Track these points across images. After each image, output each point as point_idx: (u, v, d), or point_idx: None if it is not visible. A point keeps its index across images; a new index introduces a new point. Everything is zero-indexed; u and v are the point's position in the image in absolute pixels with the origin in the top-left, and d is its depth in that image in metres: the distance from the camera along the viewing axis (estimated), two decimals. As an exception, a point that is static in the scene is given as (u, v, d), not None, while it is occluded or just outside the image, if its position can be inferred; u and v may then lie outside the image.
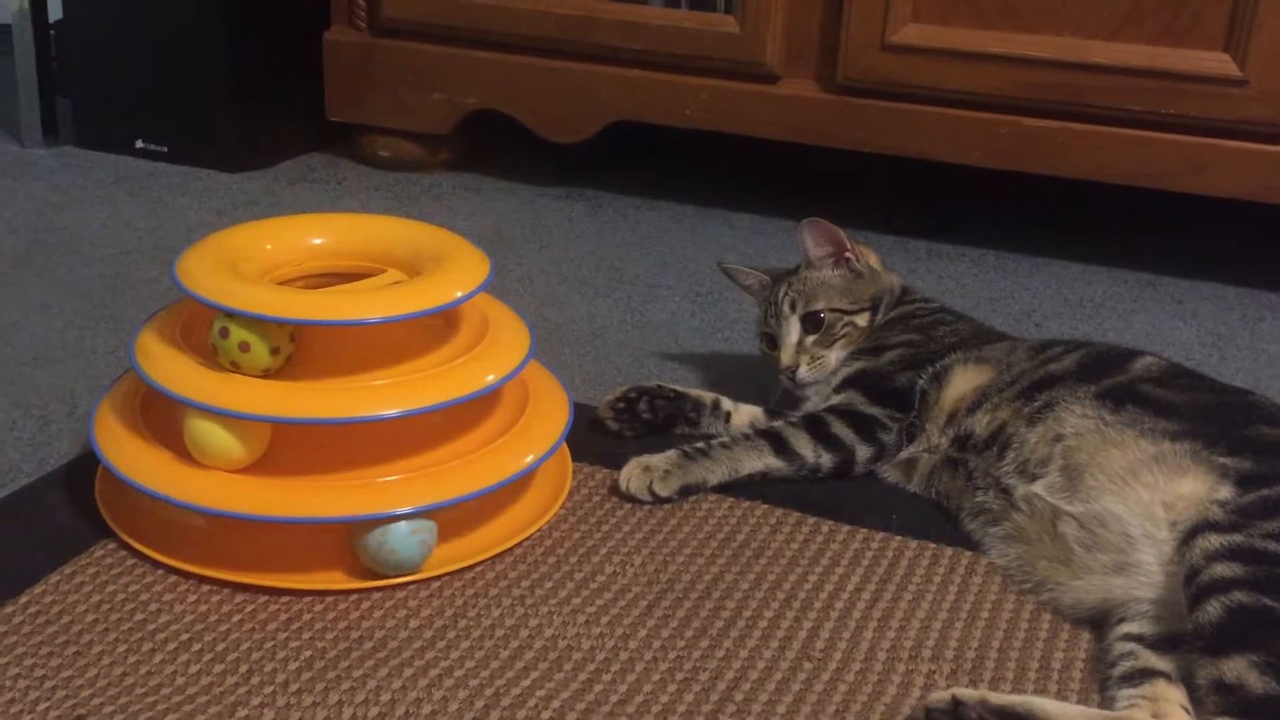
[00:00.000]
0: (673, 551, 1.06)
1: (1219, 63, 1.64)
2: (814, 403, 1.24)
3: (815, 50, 1.83)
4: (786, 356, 1.26)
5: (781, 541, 1.08)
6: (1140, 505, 0.96)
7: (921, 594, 1.02)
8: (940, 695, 0.86)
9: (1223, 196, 1.70)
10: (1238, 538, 0.90)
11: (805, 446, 1.15)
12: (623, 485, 1.12)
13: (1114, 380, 1.09)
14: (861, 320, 1.27)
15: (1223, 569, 0.88)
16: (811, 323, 1.26)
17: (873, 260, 1.33)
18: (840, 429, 1.16)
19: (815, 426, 1.16)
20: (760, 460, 1.14)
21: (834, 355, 1.25)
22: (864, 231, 1.91)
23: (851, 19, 1.77)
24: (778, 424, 1.18)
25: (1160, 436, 1.00)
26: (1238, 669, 0.83)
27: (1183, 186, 1.71)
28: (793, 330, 1.27)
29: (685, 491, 1.12)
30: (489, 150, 2.15)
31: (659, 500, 1.12)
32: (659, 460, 1.13)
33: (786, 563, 1.05)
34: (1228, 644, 0.85)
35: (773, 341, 1.29)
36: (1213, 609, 0.87)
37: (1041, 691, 0.91)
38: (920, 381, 1.18)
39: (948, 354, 1.20)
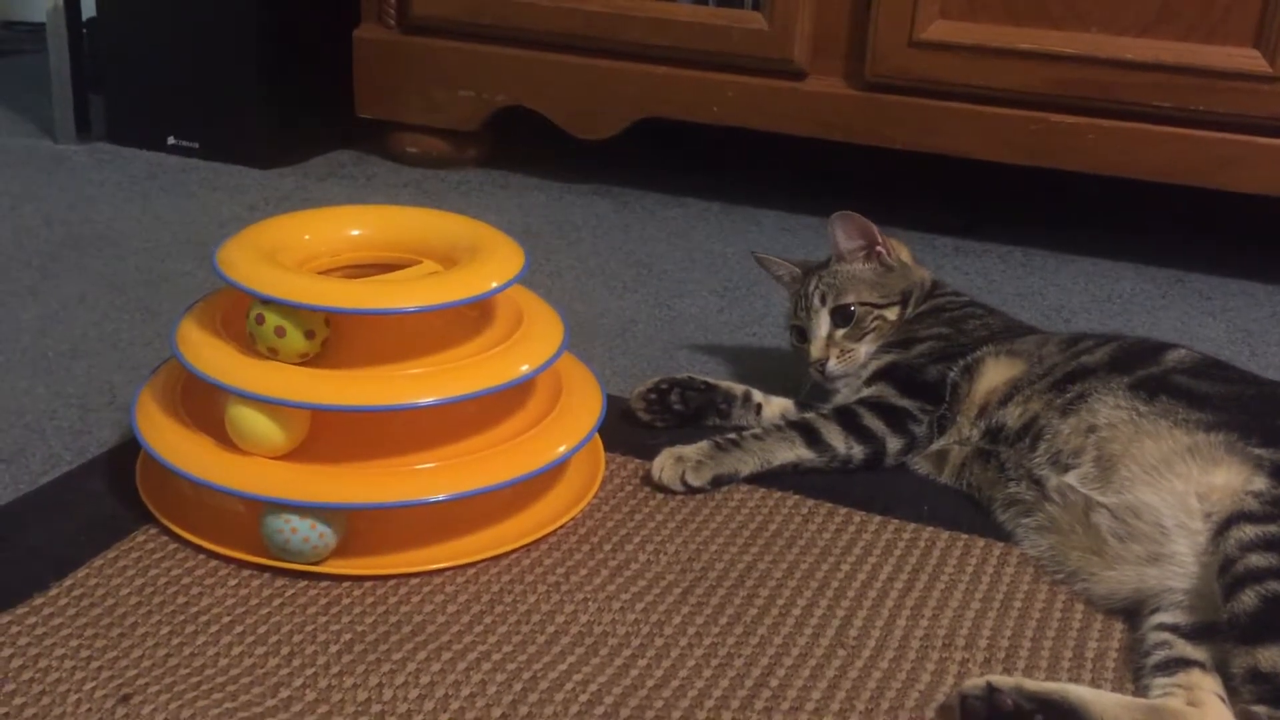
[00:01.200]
0: (705, 540, 1.07)
1: (1249, 59, 1.64)
2: (844, 395, 1.25)
3: (843, 47, 1.83)
4: (816, 350, 1.26)
5: (814, 531, 1.09)
6: (1174, 496, 0.97)
7: (954, 584, 1.02)
8: (975, 682, 0.87)
9: (1252, 193, 1.69)
10: (1273, 528, 0.90)
11: (836, 438, 1.15)
12: (655, 475, 1.13)
13: (1147, 371, 1.09)
14: (891, 314, 1.27)
15: (1258, 559, 0.89)
16: (841, 316, 1.26)
17: (904, 255, 1.34)
18: (871, 420, 1.16)
19: (846, 418, 1.17)
20: (792, 451, 1.14)
21: (863, 349, 1.26)
22: (891, 228, 1.91)
23: (879, 16, 1.78)
24: (809, 415, 1.18)
25: (1194, 427, 1.00)
26: (1273, 658, 0.83)
27: (1212, 183, 1.71)
28: (823, 324, 1.27)
29: (717, 482, 1.13)
30: (517, 147, 2.16)
31: (691, 490, 1.12)
32: (691, 451, 1.13)
33: (819, 552, 1.06)
34: (1263, 633, 0.85)
35: (802, 334, 1.30)
36: (1248, 599, 0.87)
37: (1076, 680, 0.91)
38: (951, 374, 1.18)
39: (979, 347, 1.20)
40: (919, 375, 1.20)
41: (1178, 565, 0.95)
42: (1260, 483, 0.95)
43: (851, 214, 1.29)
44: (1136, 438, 1.02)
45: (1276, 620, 0.86)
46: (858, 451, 1.15)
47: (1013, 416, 1.12)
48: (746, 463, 1.14)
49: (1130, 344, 1.17)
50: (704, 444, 1.14)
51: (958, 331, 1.25)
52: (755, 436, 1.15)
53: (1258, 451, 0.97)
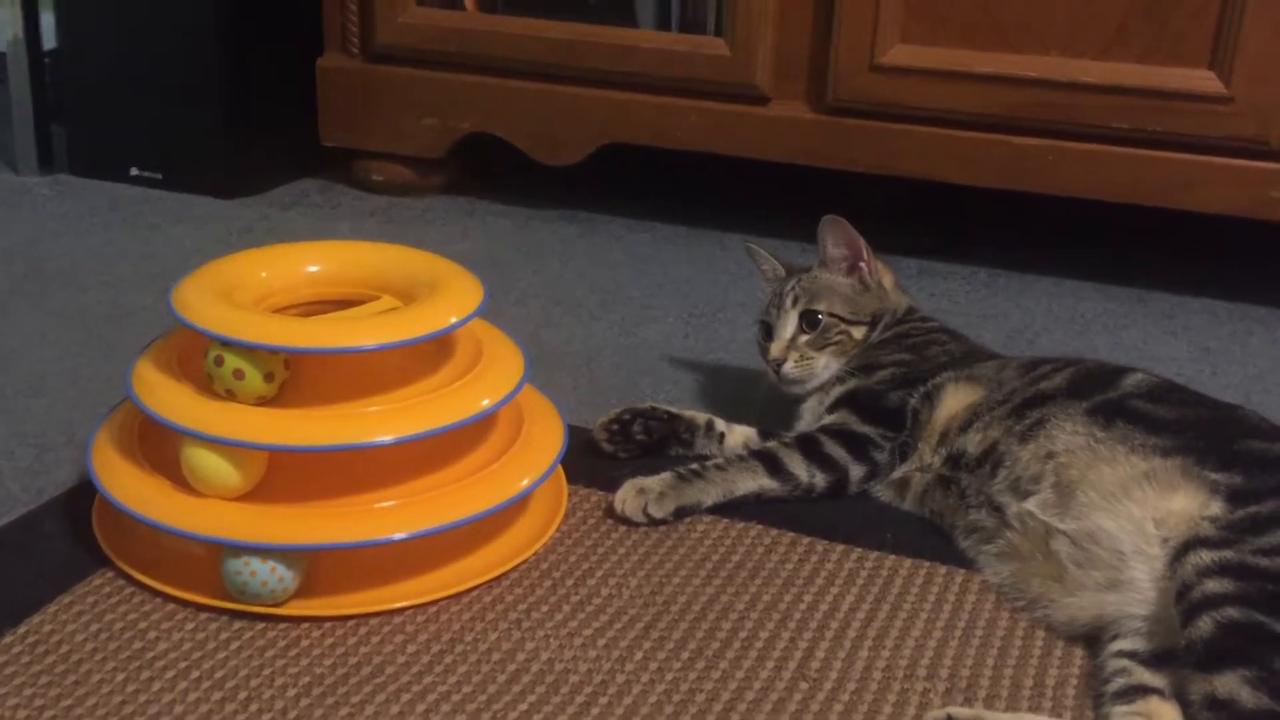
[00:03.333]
0: (668, 573, 1.06)
1: (1205, 80, 1.66)
2: (807, 422, 1.25)
3: (805, 71, 1.84)
4: (776, 349, 1.28)
5: (776, 562, 1.09)
6: (1132, 522, 0.97)
7: (916, 612, 1.02)
8: (935, 714, 0.87)
9: (1211, 212, 1.71)
10: (1229, 554, 0.91)
11: (799, 466, 1.15)
12: (618, 507, 1.12)
13: (1104, 397, 1.10)
14: (857, 332, 1.28)
15: (1214, 585, 0.89)
16: (808, 321, 1.27)
17: (886, 279, 1.34)
18: (833, 449, 1.17)
19: (808, 446, 1.17)
20: (755, 481, 1.15)
21: (822, 361, 1.27)
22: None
23: (840, 40, 1.79)
24: (771, 445, 1.19)
25: (1151, 453, 1.01)
26: (1230, 685, 0.84)
27: (1172, 203, 1.72)
28: (789, 325, 1.28)
29: (680, 513, 1.13)
30: (482, 174, 2.16)
31: (654, 522, 1.12)
32: (654, 482, 1.13)
33: (782, 583, 1.06)
34: (1220, 660, 0.86)
35: (769, 331, 1.31)
36: (1205, 625, 0.87)
37: (1036, 709, 0.91)
38: (912, 400, 1.19)
39: (939, 373, 1.21)
40: (880, 402, 1.20)
41: (1136, 591, 0.96)
42: (1216, 508, 0.96)
43: (842, 221, 1.30)
44: (1094, 464, 1.02)
45: (1233, 646, 0.86)
46: (820, 480, 1.16)
47: (973, 443, 1.12)
48: (709, 493, 1.14)
49: (1088, 369, 1.18)
50: (666, 475, 1.14)
51: (919, 358, 1.25)
52: (718, 467, 1.15)
53: (1214, 476, 0.98)
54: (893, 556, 1.10)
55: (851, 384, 1.24)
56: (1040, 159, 1.76)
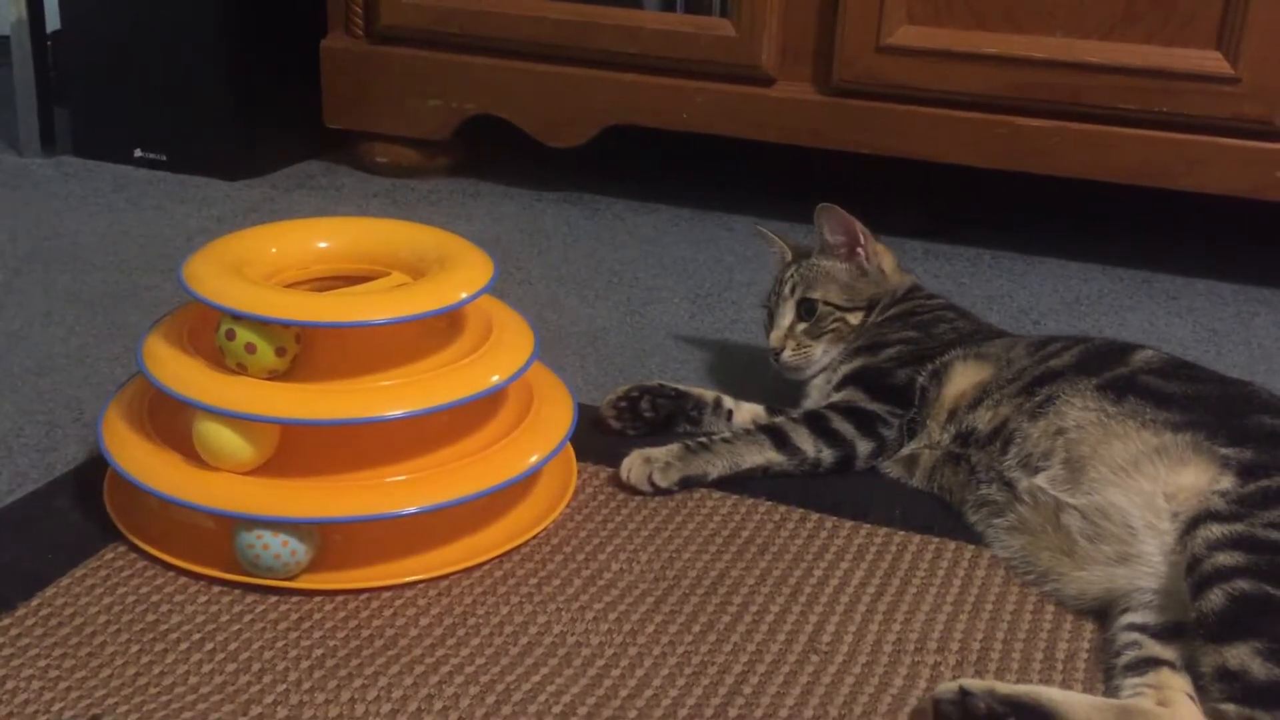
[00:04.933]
0: (678, 548, 1.07)
1: (1211, 61, 1.66)
2: (814, 400, 1.25)
3: (811, 52, 1.84)
4: (775, 337, 1.29)
5: (786, 537, 1.09)
6: (1142, 496, 0.97)
7: (926, 587, 1.03)
8: (948, 686, 0.87)
9: (1217, 193, 1.71)
10: (1239, 527, 0.91)
11: (806, 441, 1.16)
12: (623, 475, 1.13)
13: (1115, 373, 1.10)
14: (853, 318, 1.29)
15: (1224, 558, 0.89)
16: (805, 309, 1.29)
17: (886, 262, 1.34)
18: (841, 424, 1.17)
19: (816, 422, 1.17)
20: (761, 455, 1.15)
21: (820, 348, 1.27)
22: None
23: (846, 21, 1.79)
24: (779, 420, 1.19)
25: (1162, 428, 1.01)
26: (1241, 656, 0.84)
27: (1177, 184, 1.72)
28: (786, 313, 1.30)
29: (685, 483, 1.14)
30: (487, 155, 2.16)
31: (659, 491, 1.13)
32: (660, 452, 1.14)
33: (791, 558, 1.06)
34: (1230, 632, 0.86)
35: (772, 318, 1.32)
36: (1215, 597, 0.88)
37: (1047, 682, 0.92)
38: (920, 378, 1.19)
39: (947, 351, 1.21)
40: (887, 379, 1.20)
41: (1146, 565, 0.96)
42: (1227, 482, 0.96)
43: (835, 209, 1.30)
44: (1105, 439, 1.02)
45: (1243, 618, 0.86)
46: (827, 455, 1.16)
47: (983, 420, 1.13)
48: (715, 465, 1.14)
49: (1098, 346, 1.18)
50: (673, 446, 1.15)
51: (926, 335, 1.25)
52: (724, 440, 1.16)
53: (1224, 451, 0.98)
54: (902, 532, 1.10)
55: (859, 362, 1.24)
56: (1046, 140, 1.76)
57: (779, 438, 1.16)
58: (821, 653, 0.94)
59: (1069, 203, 2.06)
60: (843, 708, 0.88)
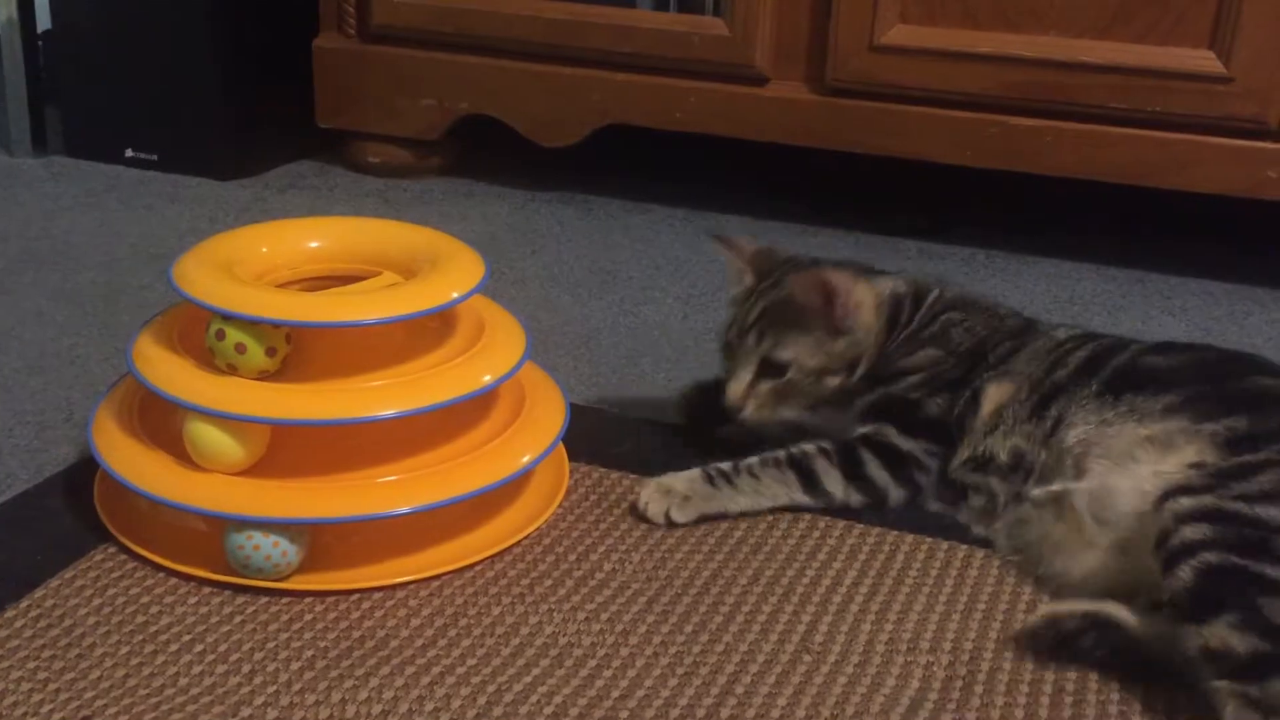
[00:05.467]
0: (671, 548, 1.06)
1: (1204, 60, 1.66)
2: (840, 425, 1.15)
3: (804, 52, 1.84)
4: (734, 391, 1.14)
5: (779, 537, 1.08)
6: (1134, 481, 0.98)
7: (919, 586, 1.02)
8: (1034, 619, 0.94)
9: (1210, 193, 1.71)
10: (1208, 499, 0.91)
11: (836, 485, 1.09)
12: (640, 507, 1.09)
13: (1116, 363, 1.08)
14: (832, 382, 1.14)
15: (1190, 531, 0.89)
16: (773, 369, 1.13)
17: (866, 311, 1.15)
18: (875, 470, 1.09)
19: (850, 464, 1.10)
20: (787, 495, 1.09)
21: (791, 411, 1.14)
22: (856, 232, 1.93)
23: (839, 20, 1.78)
24: (810, 452, 1.10)
25: (1157, 416, 1.01)
26: (1220, 634, 0.84)
27: (1170, 183, 1.72)
28: (749, 365, 1.14)
29: (703, 520, 1.09)
30: (480, 155, 2.15)
31: (674, 525, 1.08)
32: (680, 484, 1.09)
33: (784, 558, 1.06)
34: (1204, 608, 0.86)
35: (731, 352, 1.17)
36: (1184, 574, 0.87)
37: (1039, 680, 0.92)
38: (957, 406, 1.11)
39: (976, 368, 1.12)
40: (919, 412, 1.11)
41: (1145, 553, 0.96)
42: (1208, 455, 0.96)
43: (811, 274, 1.12)
44: (1103, 440, 1.02)
45: (1215, 593, 0.86)
46: (855, 499, 1.10)
47: (1002, 449, 1.08)
48: (738, 502, 1.09)
49: (1106, 344, 1.14)
50: (695, 475, 1.09)
51: (946, 353, 1.14)
52: (751, 473, 1.09)
53: (1212, 427, 0.98)
54: (895, 532, 1.10)
55: (878, 392, 1.13)
56: (1039, 139, 1.75)
57: (809, 479, 1.09)
58: (814, 653, 0.94)
59: (1063, 202, 2.06)
60: (835, 708, 0.88)
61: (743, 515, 1.10)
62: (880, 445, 1.10)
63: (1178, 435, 0.99)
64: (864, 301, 1.15)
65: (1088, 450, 1.03)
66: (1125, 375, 1.07)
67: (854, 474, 1.10)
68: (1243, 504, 0.90)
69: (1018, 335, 1.17)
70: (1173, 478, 0.95)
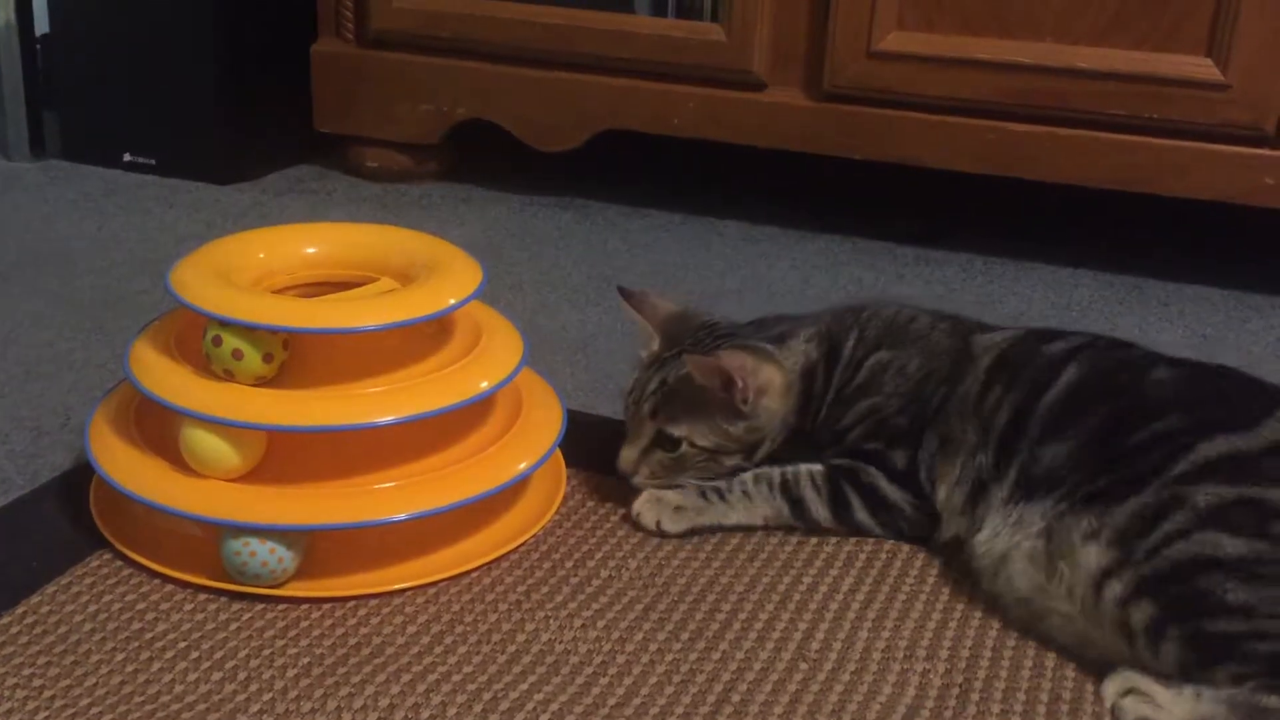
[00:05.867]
0: (667, 556, 1.06)
1: (1201, 67, 1.66)
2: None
3: (801, 58, 1.84)
4: (627, 458, 1.10)
5: (775, 545, 1.08)
6: (1056, 586, 0.96)
7: (915, 594, 1.02)
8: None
9: (1207, 199, 1.71)
10: (1129, 573, 0.90)
11: (823, 514, 1.08)
12: (634, 515, 1.09)
13: (1017, 460, 1.02)
14: (729, 460, 1.10)
15: (1139, 615, 0.90)
16: (667, 442, 1.09)
17: (772, 395, 1.09)
18: (862, 514, 1.08)
19: (837, 502, 1.08)
20: (776, 517, 1.09)
21: (684, 480, 1.10)
22: (853, 238, 1.93)
23: (837, 26, 1.79)
24: (801, 479, 1.08)
25: (1044, 529, 0.97)
26: (1226, 682, 0.86)
27: (1168, 190, 1.72)
28: (643, 435, 1.10)
29: (693, 532, 1.09)
30: (478, 160, 2.15)
31: (664, 535, 1.08)
32: (673, 496, 1.09)
33: (780, 565, 1.06)
34: (1205, 668, 0.87)
35: (629, 416, 1.12)
36: (1169, 652, 0.89)
37: (1035, 689, 0.92)
38: (922, 465, 1.07)
39: (920, 420, 1.08)
40: (888, 461, 1.08)
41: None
42: (1104, 535, 0.93)
43: (710, 359, 1.06)
44: (1014, 554, 0.99)
45: (1205, 657, 0.87)
46: (843, 530, 1.09)
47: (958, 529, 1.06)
48: (729, 516, 1.09)
49: (1022, 392, 1.05)
50: (690, 490, 1.09)
51: (885, 399, 1.09)
52: (744, 491, 1.09)
53: (1098, 519, 0.94)
54: (891, 541, 1.10)
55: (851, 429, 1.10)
56: (1036, 146, 1.76)
57: (797, 508, 1.08)
58: (810, 660, 0.94)
59: (1060, 208, 2.06)
60: (831, 716, 0.88)
61: (736, 529, 1.10)
62: (867, 490, 1.08)
63: (1078, 538, 0.94)
64: (770, 384, 1.09)
65: (1006, 560, 0.99)
66: (1024, 475, 1.00)
67: (840, 513, 1.08)
68: (1160, 561, 0.90)
69: (949, 371, 1.09)
70: (1091, 567, 0.93)
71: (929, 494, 1.07)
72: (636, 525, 1.09)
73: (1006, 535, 0.99)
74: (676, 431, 1.08)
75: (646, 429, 1.10)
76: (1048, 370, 1.05)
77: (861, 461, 1.09)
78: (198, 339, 1.00)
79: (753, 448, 1.10)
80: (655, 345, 1.14)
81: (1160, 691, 0.88)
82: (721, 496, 1.09)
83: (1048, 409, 1.03)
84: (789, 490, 1.09)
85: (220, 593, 0.97)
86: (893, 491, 1.08)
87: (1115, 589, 0.91)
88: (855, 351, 1.12)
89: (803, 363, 1.12)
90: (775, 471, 1.10)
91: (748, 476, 1.10)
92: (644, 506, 1.09)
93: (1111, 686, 0.91)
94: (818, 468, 1.09)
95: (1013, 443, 1.03)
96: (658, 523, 1.08)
